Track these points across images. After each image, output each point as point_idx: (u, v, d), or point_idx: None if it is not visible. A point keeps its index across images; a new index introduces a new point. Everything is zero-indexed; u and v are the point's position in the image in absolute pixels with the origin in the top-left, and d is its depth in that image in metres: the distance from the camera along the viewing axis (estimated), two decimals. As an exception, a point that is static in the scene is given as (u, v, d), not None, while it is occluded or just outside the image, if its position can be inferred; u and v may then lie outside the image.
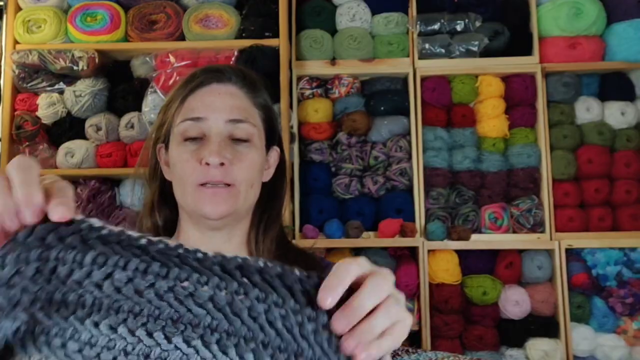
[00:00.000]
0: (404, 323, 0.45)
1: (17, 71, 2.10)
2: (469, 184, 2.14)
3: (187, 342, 0.42)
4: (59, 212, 0.41)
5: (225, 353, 0.42)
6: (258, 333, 0.43)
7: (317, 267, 0.85)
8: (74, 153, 2.07)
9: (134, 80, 2.16)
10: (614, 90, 2.17)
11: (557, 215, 2.10)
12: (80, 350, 0.41)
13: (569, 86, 2.16)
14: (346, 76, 2.20)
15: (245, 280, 0.43)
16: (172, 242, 0.43)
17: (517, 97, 2.17)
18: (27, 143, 2.10)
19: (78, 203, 2.05)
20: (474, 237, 2.08)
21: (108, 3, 2.14)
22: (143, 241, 0.43)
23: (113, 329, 0.42)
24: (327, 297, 0.42)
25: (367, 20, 2.22)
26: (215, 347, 0.42)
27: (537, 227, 2.10)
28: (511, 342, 2.05)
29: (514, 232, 2.11)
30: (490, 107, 2.16)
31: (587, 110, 2.16)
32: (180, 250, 0.43)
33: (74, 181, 2.10)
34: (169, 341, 0.42)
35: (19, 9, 2.17)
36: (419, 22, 2.19)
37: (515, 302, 2.05)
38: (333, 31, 2.24)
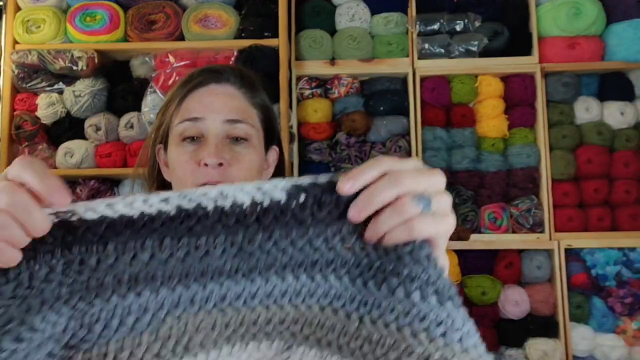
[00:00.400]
0: (425, 220, 0.46)
1: (16, 71, 2.10)
2: (468, 184, 2.14)
3: (220, 284, 0.49)
4: (60, 200, 0.44)
5: (252, 281, 0.49)
6: (274, 259, 0.49)
7: None
8: (74, 153, 2.07)
9: (133, 80, 2.16)
10: (613, 90, 2.17)
11: (556, 215, 2.10)
12: (138, 319, 0.47)
13: (568, 86, 2.16)
14: (345, 76, 2.20)
15: (249, 229, 0.48)
16: (169, 208, 0.47)
17: (517, 97, 2.17)
18: (26, 143, 2.10)
19: (77, 203, 2.05)
20: (473, 237, 2.08)
21: (107, 3, 2.14)
22: (146, 218, 0.47)
23: (155, 292, 0.48)
24: (346, 183, 0.46)
25: (366, 20, 2.22)
26: (243, 281, 0.49)
27: (536, 227, 2.10)
28: (510, 342, 2.05)
29: (514, 232, 2.11)
30: (490, 107, 2.17)
31: (586, 110, 2.16)
32: (182, 215, 0.47)
33: (74, 181, 2.11)
34: (205, 287, 0.48)
35: (18, 8, 2.17)
36: (418, 22, 2.19)
37: (514, 302, 2.05)
38: (332, 31, 2.24)
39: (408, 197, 0.45)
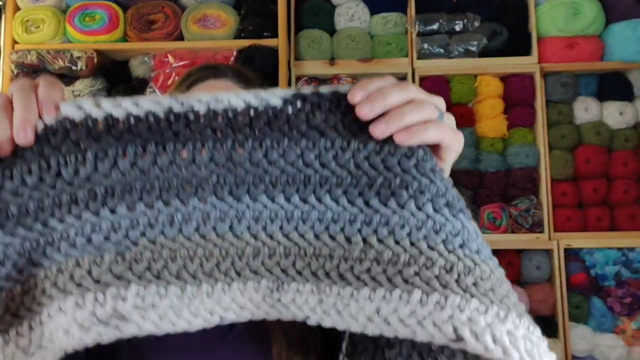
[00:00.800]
0: (446, 127, 0.47)
1: (15, 71, 2.10)
2: (467, 183, 2.14)
3: (204, 200, 0.45)
4: (48, 114, 0.44)
5: (238, 199, 0.45)
6: (263, 173, 0.45)
7: None
8: (73, 153, 2.07)
9: (132, 80, 2.15)
10: (612, 90, 2.17)
11: (555, 215, 2.10)
12: (107, 238, 0.44)
13: (567, 86, 2.16)
14: (345, 76, 2.20)
15: (238, 135, 0.45)
16: (159, 109, 0.44)
17: (516, 97, 2.17)
18: (25, 143, 2.10)
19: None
20: (472, 237, 2.08)
21: (106, 3, 2.14)
22: (132, 121, 0.44)
23: (130, 209, 0.44)
24: (358, 92, 0.45)
25: (365, 20, 2.23)
26: (230, 199, 0.45)
27: (535, 227, 2.09)
28: (510, 342, 2.05)
29: (513, 232, 2.11)
30: (489, 107, 2.17)
31: (585, 110, 2.17)
32: (171, 118, 0.44)
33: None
34: (186, 204, 0.45)
35: (17, 8, 2.17)
36: (417, 22, 2.19)
37: (513, 302, 2.04)
38: (332, 31, 2.24)
39: (426, 101, 0.46)
